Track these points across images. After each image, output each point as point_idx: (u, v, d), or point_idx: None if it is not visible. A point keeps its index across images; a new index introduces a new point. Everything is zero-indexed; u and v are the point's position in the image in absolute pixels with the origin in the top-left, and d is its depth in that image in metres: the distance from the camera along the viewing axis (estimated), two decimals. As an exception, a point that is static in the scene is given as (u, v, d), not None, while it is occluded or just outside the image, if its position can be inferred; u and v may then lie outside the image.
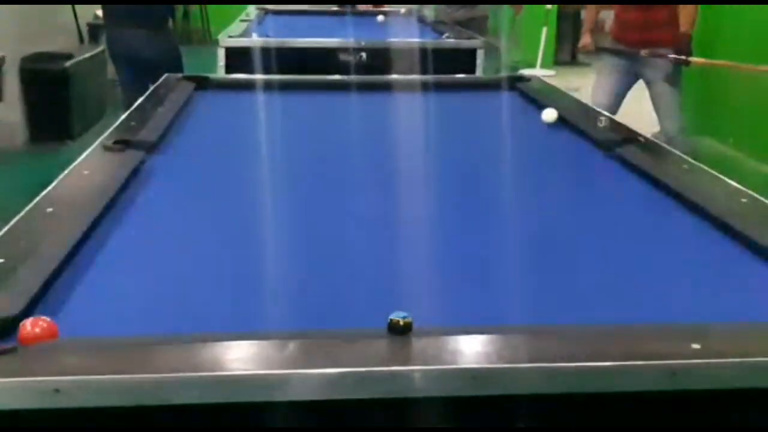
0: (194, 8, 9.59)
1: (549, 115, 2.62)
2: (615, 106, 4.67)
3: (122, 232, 1.61)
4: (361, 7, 6.04)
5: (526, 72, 4.79)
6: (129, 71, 4.63)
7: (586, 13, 5.12)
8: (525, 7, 7.61)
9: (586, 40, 4.92)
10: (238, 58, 3.98)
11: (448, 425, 1.06)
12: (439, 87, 3.19)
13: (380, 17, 5.80)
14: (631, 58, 4.56)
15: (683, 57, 4.35)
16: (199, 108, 2.84)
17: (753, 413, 1.09)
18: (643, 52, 4.45)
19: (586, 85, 7.51)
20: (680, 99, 4.61)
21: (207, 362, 1.04)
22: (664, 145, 2.32)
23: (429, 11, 6.01)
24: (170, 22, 4.86)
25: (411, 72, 3.68)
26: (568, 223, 1.76)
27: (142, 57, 4.49)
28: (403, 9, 6.20)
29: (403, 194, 1.89)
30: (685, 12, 4.45)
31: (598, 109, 4.58)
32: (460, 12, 5.81)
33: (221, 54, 4.10)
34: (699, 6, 4.56)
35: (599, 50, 4.89)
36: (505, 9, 7.06)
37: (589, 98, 4.77)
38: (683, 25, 4.43)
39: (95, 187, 1.76)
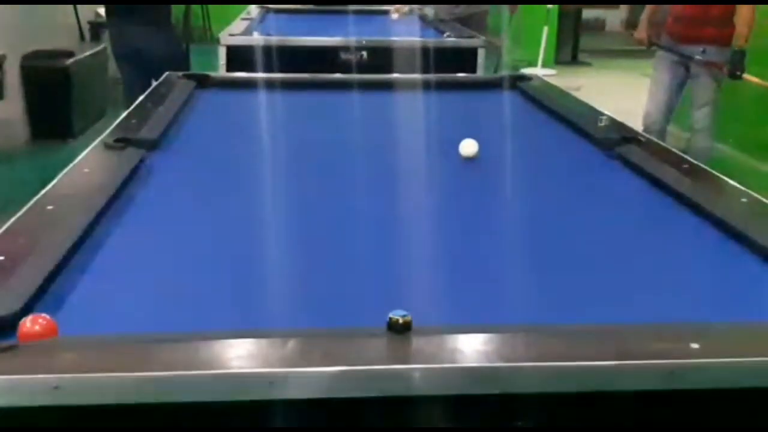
0: (195, 6, 9.58)
1: (467, 148, 2.17)
2: (673, 99, 4.63)
3: (122, 230, 1.61)
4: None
5: (527, 71, 4.77)
6: (132, 68, 4.62)
7: (647, 6, 4.85)
8: (521, 7, 7.56)
9: (641, 34, 4.72)
10: (239, 57, 3.98)
11: (447, 424, 1.06)
12: (440, 86, 3.19)
13: (394, 15, 5.81)
14: (682, 50, 4.48)
15: (738, 72, 4.28)
16: (200, 106, 2.84)
17: (751, 413, 1.09)
18: (697, 58, 4.38)
19: (586, 85, 7.54)
20: (719, 97, 4.53)
21: (206, 360, 1.05)
22: (664, 145, 2.32)
23: (430, 10, 6.01)
24: (172, 19, 4.86)
25: (412, 71, 3.67)
26: (569, 223, 1.76)
27: (146, 54, 4.48)
28: (405, 8, 6.20)
29: (403, 193, 1.89)
30: (741, 23, 4.34)
31: (656, 105, 4.59)
32: (460, 8, 5.81)
33: (222, 52, 4.10)
34: (755, 16, 4.38)
35: (654, 46, 4.72)
36: (503, 9, 7.02)
37: (646, 92, 4.73)
38: (739, 40, 4.32)
39: (96, 185, 1.77)
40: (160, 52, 4.47)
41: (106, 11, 4.90)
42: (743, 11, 4.37)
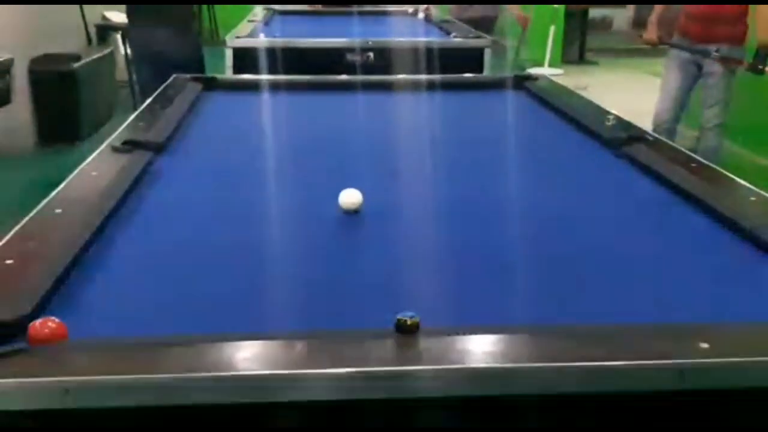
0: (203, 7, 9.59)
1: (349, 199, 1.76)
2: (684, 98, 4.61)
3: (131, 232, 1.61)
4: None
5: (534, 71, 4.75)
6: (151, 70, 4.60)
7: (655, 6, 4.83)
8: (531, 19, 7.49)
9: (650, 35, 4.70)
10: (246, 59, 3.98)
11: (455, 425, 1.06)
12: (447, 86, 3.19)
13: (420, 14, 5.85)
14: (696, 48, 4.44)
15: (760, 67, 4.26)
16: (207, 109, 2.85)
17: (761, 413, 1.09)
18: (714, 54, 4.36)
19: (594, 84, 7.53)
20: (730, 96, 4.50)
21: (215, 363, 1.05)
22: (672, 144, 2.32)
23: (437, 10, 6.01)
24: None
25: (418, 71, 3.68)
26: (577, 222, 1.75)
27: (168, 56, 4.45)
28: (410, 8, 6.20)
29: (410, 194, 1.89)
30: (761, 19, 4.31)
31: (667, 105, 4.56)
32: (470, 12, 5.81)
33: (229, 54, 4.11)
34: None
35: (666, 45, 4.69)
36: (510, 20, 6.99)
37: (654, 91, 4.71)
38: (760, 33, 4.30)
39: (104, 188, 1.77)
40: (182, 55, 4.47)
41: (128, 14, 4.90)
42: (762, 11, 4.32)
